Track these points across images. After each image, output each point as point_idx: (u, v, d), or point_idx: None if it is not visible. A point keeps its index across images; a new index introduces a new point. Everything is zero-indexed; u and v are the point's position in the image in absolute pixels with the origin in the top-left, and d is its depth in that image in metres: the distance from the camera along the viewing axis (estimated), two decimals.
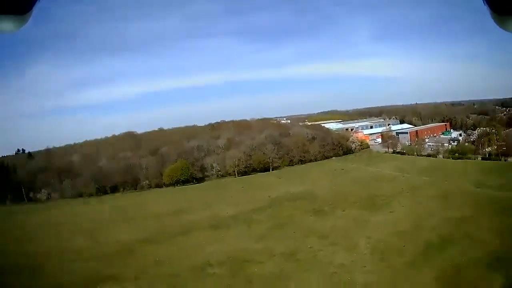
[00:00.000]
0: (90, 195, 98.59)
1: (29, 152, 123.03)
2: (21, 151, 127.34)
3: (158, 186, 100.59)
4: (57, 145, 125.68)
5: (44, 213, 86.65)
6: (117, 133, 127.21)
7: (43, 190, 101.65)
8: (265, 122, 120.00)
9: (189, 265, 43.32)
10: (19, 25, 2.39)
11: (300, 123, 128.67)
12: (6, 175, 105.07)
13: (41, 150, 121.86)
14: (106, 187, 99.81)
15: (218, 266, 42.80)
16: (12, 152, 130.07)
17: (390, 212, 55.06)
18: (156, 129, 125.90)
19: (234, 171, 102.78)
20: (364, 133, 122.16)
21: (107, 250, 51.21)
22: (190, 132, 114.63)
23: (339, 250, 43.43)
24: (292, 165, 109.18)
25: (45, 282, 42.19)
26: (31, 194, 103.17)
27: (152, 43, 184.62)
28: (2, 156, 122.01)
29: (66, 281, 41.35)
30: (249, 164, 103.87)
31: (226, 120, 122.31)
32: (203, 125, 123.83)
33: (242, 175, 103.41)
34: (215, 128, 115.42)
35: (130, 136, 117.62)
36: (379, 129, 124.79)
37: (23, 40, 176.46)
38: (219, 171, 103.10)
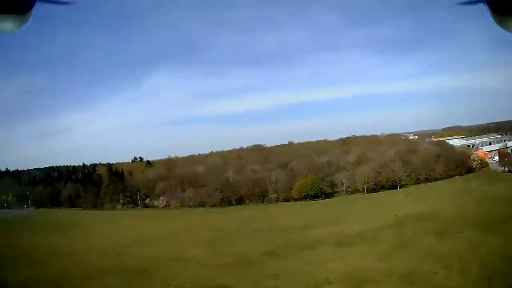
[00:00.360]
0: (213, 205, 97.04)
1: (147, 160, 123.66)
2: (138, 158, 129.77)
3: (286, 200, 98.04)
4: (180, 154, 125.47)
5: (161, 220, 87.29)
6: (245, 145, 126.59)
7: (161, 198, 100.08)
8: (394, 138, 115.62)
9: (307, 280, 42.65)
10: (19, 25, 2.40)
11: (427, 139, 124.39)
12: (120, 181, 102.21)
13: (161, 159, 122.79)
14: (231, 198, 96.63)
15: (336, 284, 41.87)
16: (128, 159, 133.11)
17: (501, 235, 52.46)
18: (286, 142, 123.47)
19: (363, 188, 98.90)
20: (484, 151, 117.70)
21: (225, 260, 50.76)
22: (320, 146, 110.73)
23: (452, 274, 41.59)
24: (419, 183, 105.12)
25: (152, 285, 43.12)
26: (147, 201, 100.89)
27: (280, 56, 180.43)
28: (117, 162, 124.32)
29: (174, 286, 41.73)
30: (378, 181, 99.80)
31: (357, 135, 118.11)
32: (333, 139, 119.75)
33: (370, 192, 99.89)
34: (345, 143, 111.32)
35: (258, 149, 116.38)
36: (497, 146, 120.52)
37: (146, 52, 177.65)
38: (349, 187, 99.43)
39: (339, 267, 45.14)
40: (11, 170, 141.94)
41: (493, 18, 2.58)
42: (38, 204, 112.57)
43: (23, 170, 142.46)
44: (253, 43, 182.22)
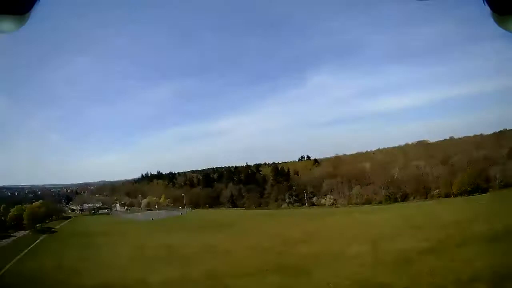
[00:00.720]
0: (379, 202, 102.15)
1: (315, 159, 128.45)
2: (305, 157, 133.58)
3: (447, 195, 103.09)
4: (347, 152, 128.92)
5: (326, 218, 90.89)
6: (409, 141, 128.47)
7: (328, 196, 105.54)
8: None
9: (455, 278, 43.63)
10: (19, 25, 2.49)
11: None
12: (286, 180, 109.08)
13: (329, 157, 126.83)
14: (396, 195, 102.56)
15: (482, 282, 42.53)
16: (295, 158, 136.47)
17: None
18: (447, 137, 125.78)
19: None
20: None
21: (385, 257, 52.11)
22: (477, 140, 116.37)
23: None
24: None
25: (311, 281, 44.77)
26: (314, 199, 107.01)
27: (431, 51, 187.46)
28: (283, 162, 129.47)
29: (332, 284, 43.33)
30: None
31: (507, 128, 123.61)
32: (489, 133, 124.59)
33: None
34: (500, 137, 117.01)
35: (422, 145, 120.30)
36: None
37: (307, 52, 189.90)
38: (501, 181, 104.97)
39: (485, 265, 46.10)
40: (163, 173, 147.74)
41: (492, 18, 2.72)
42: (195, 205, 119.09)
43: (177, 172, 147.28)
44: (403, 39, 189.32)
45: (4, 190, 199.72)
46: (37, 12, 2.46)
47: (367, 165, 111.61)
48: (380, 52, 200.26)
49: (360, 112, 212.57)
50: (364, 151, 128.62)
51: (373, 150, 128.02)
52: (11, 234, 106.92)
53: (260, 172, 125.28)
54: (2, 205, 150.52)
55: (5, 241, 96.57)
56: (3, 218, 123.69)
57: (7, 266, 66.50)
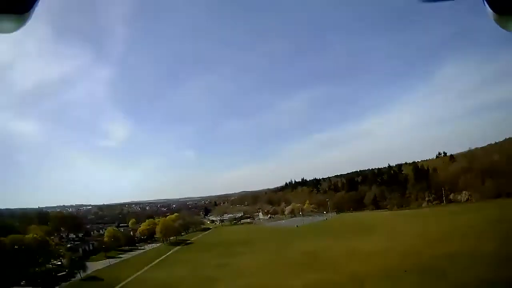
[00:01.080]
0: (509, 194, 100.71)
1: (451, 155, 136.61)
2: (442, 154, 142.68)
3: None
4: (479, 145, 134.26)
5: (461, 215, 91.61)
6: None
7: (464, 192, 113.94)
8: None
9: None
10: (19, 25, 2.54)
11: None
12: (425, 178, 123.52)
13: (463, 152, 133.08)
14: None
15: None
16: (433, 156, 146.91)
17: None
18: None
19: None
20: None
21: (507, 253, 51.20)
22: None
23: None
24: None
25: (444, 282, 45.59)
26: (451, 196, 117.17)
27: None
28: (422, 160, 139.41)
29: (461, 283, 43.81)
30: None
31: None
32: None
33: None
34: None
35: None
36: None
37: (431, 46, 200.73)
38: None
39: None
40: (307, 179, 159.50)
41: (492, 18, 2.70)
42: (339, 209, 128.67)
43: (322, 178, 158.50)
44: None
45: (133, 205, 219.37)
46: (36, 12, 2.54)
47: (497, 157, 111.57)
48: (499, 35, 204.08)
49: (486, 101, 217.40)
50: (493, 142, 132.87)
51: (501, 140, 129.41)
52: (139, 247, 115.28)
53: (402, 172, 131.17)
54: (131, 220, 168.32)
55: (130, 254, 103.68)
56: (131, 232, 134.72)
57: (132, 276, 72.19)
